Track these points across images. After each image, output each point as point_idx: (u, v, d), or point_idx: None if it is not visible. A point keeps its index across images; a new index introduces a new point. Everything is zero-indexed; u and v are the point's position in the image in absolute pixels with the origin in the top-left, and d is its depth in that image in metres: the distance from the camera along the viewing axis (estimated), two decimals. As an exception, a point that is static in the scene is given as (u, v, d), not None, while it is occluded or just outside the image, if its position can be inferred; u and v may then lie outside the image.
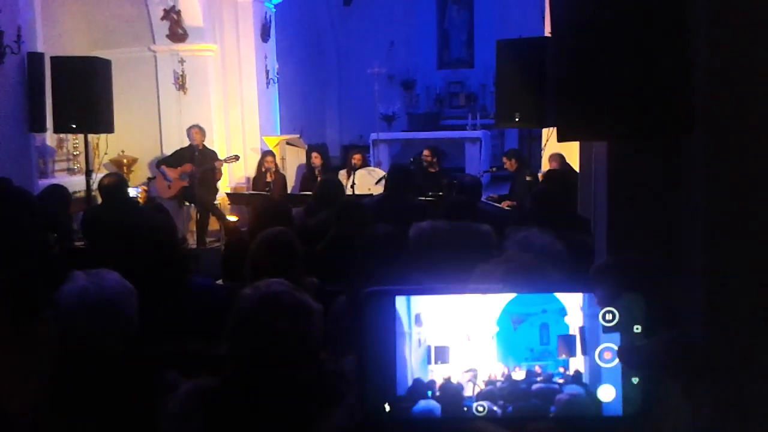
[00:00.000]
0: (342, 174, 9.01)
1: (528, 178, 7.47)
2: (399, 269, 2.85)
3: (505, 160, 8.22)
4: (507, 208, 7.23)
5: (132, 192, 7.30)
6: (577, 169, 5.41)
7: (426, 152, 8.85)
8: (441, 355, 0.82)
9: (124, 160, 9.67)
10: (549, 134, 7.07)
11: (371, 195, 7.14)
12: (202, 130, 8.79)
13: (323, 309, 1.89)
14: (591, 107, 1.27)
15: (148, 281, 2.68)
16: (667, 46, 1.23)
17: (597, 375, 0.82)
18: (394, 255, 2.81)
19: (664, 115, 1.20)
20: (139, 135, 9.63)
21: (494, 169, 10.67)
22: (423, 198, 6.79)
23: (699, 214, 1.44)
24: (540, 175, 7.60)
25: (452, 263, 3.14)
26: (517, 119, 5.94)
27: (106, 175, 5.44)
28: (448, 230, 3.45)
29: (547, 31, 7.59)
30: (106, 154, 8.47)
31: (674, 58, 1.22)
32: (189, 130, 8.77)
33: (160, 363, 2.07)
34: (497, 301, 0.82)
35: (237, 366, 1.74)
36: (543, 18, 9.08)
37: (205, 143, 8.84)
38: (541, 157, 8.26)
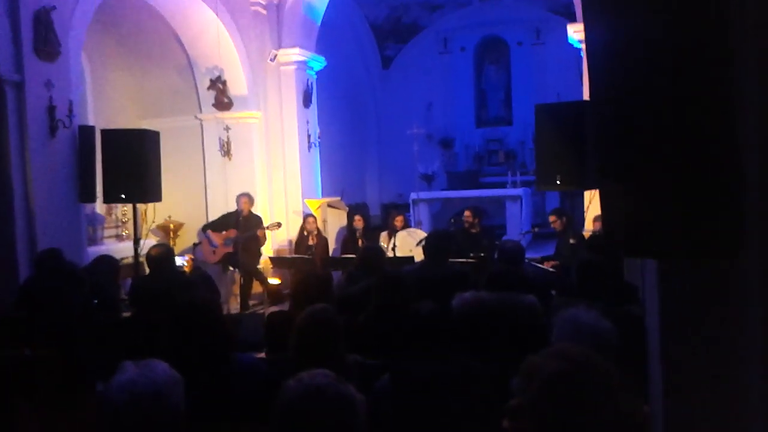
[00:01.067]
0: (383, 236, 9.07)
1: (572, 241, 7.35)
2: (443, 345, 2.81)
3: (553, 218, 7.98)
4: (551, 269, 7.12)
5: (179, 260, 7.41)
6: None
7: (467, 213, 8.87)
8: None
9: (171, 225, 9.89)
10: (591, 195, 7.01)
11: (412, 258, 7.15)
12: (251, 199, 8.99)
13: (366, 384, 1.88)
14: (639, 224, 1.24)
15: (193, 357, 2.71)
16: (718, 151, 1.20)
17: None
18: (439, 333, 2.78)
19: (713, 236, 1.17)
20: (185, 200, 9.88)
21: (536, 228, 10.52)
22: (464, 260, 6.76)
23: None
24: (585, 233, 7.49)
25: (497, 337, 3.11)
26: (558, 182, 5.93)
27: (154, 246, 5.54)
28: (492, 302, 3.41)
29: (586, 95, 7.60)
30: (153, 222, 8.67)
31: (726, 166, 1.18)
32: (239, 197, 8.95)
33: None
34: None
35: (281, 458, 1.72)
36: (581, 77, 9.10)
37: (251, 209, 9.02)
38: (583, 216, 8.15)
